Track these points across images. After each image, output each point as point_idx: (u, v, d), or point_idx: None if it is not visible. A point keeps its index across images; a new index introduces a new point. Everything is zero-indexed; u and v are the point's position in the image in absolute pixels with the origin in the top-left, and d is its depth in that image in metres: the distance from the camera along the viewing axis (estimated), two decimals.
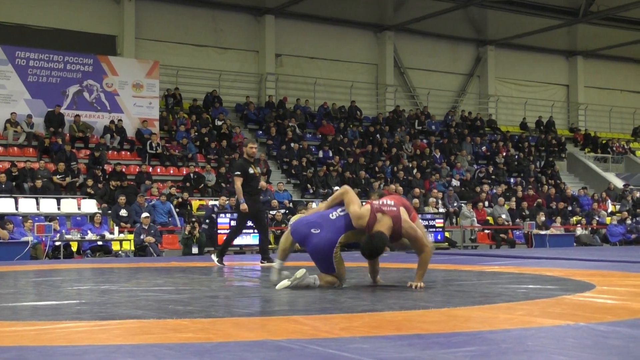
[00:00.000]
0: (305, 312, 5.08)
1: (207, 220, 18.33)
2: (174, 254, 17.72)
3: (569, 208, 25.39)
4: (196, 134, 24.32)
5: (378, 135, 27.67)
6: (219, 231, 17.98)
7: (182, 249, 17.48)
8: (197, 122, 24.99)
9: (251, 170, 11.30)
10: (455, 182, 25.74)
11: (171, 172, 22.49)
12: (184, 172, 22.23)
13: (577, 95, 35.42)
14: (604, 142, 33.69)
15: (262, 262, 11.35)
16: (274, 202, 20.42)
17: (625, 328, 4.15)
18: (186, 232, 17.28)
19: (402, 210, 6.97)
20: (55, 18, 24.70)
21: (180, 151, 23.12)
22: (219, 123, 25.01)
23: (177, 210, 19.45)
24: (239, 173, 11.27)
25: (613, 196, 27.38)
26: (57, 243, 16.05)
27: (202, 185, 21.56)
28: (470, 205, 22.54)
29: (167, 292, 6.65)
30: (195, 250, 17.12)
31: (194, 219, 17.82)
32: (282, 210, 20.24)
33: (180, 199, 19.94)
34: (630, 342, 3.72)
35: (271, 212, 20.13)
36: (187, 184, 21.33)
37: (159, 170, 22.41)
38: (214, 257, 11.63)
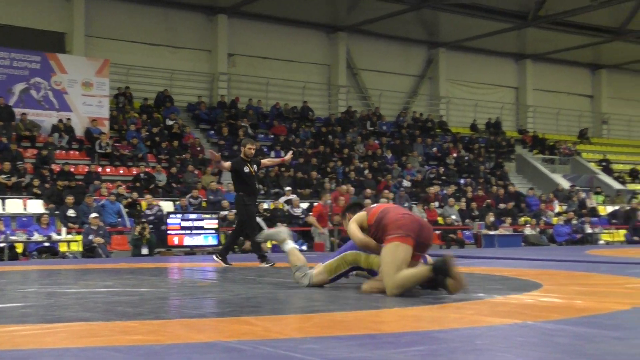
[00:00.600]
0: (256, 313, 5.06)
1: (142, 220, 17.94)
2: (123, 255, 17.53)
3: (516, 204, 25.70)
4: (147, 133, 24.10)
5: (330, 136, 27.74)
6: (168, 232, 17.86)
7: (131, 250, 17.30)
8: (148, 121, 24.77)
9: (247, 169, 11.10)
10: (406, 183, 25.93)
11: (121, 172, 22.25)
12: (134, 172, 22.00)
13: (525, 98, 35.94)
14: (551, 143, 34.24)
15: (217, 257, 11.35)
16: (225, 203, 20.34)
17: (570, 326, 4.22)
18: (136, 233, 17.09)
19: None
20: (1, 13, 24.24)
21: (131, 151, 22.88)
22: (170, 123, 24.83)
23: (127, 210, 19.26)
24: (231, 162, 11.19)
25: (560, 197, 27.84)
26: (2, 244, 15.74)
27: (153, 185, 21.36)
28: (421, 205, 22.71)
29: (116, 293, 6.57)
30: (145, 251, 16.96)
31: (143, 220, 17.65)
32: (234, 211, 20.13)
33: (129, 199, 19.74)
34: (575, 340, 3.78)
35: (222, 212, 20.06)
36: (137, 184, 21.12)
37: (108, 170, 22.15)
38: (215, 257, 11.49)
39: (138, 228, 17.09)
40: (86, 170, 21.33)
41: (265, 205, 21.02)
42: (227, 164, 11.20)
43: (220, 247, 11.95)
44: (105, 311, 5.25)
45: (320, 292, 6.41)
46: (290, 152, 12.23)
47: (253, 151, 11.25)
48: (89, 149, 22.54)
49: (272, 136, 26.91)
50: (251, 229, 11.17)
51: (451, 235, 22.27)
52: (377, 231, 6.35)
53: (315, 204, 19.93)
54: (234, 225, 12.82)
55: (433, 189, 24.82)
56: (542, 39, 32.75)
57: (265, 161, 11.93)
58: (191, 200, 20.06)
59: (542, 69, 36.51)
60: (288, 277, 7.11)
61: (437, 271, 5.88)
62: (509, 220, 23.83)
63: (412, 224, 6.26)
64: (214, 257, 11.56)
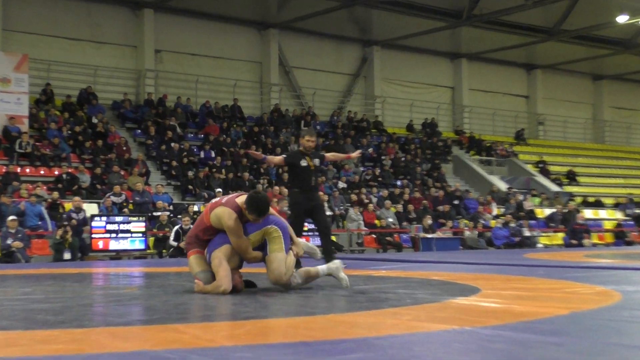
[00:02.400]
0: (185, 321, 5.00)
1: (65, 223, 17.57)
2: (44, 260, 17.17)
3: (453, 205, 26.03)
4: (69, 132, 23.67)
5: (262, 136, 27.68)
6: (92, 235, 17.58)
7: (53, 254, 16.97)
8: (71, 119, 24.34)
9: (304, 162, 10.24)
10: (342, 184, 26.03)
11: (42, 172, 21.81)
12: (56, 173, 21.59)
13: (461, 98, 36.47)
14: (488, 144, 34.79)
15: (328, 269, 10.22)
16: (160, 203, 20.15)
17: (509, 332, 4.27)
18: (57, 237, 16.74)
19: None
20: None
21: (52, 150, 22.44)
22: (95, 121, 24.44)
23: (48, 212, 18.86)
24: (284, 156, 10.55)
25: (497, 199, 28.30)
26: None
27: (76, 186, 20.98)
28: (357, 208, 22.82)
29: (36, 300, 6.42)
30: (67, 255, 16.65)
31: (66, 222, 17.33)
32: (167, 213, 19.90)
33: (50, 200, 19.35)
34: (513, 346, 3.82)
35: (155, 213, 19.85)
36: (60, 185, 20.72)
37: (28, 170, 21.68)
38: (325, 267, 9.84)
39: (60, 231, 16.75)
40: (4, 170, 20.84)
41: (195, 208, 20.84)
42: (278, 158, 10.61)
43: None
44: (24, 319, 5.12)
45: (252, 298, 6.37)
46: (359, 151, 12.58)
47: (312, 143, 10.30)
48: (7, 148, 22.04)
49: (201, 136, 26.71)
50: (319, 227, 10.39)
51: (388, 238, 22.43)
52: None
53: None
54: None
55: (370, 193, 24.96)
56: (477, 37, 33.30)
57: (329, 155, 11.03)
58: (114, 198, 19.68)
59: (478, 68, 37.10)
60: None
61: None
62: (450, 223, 24.06)
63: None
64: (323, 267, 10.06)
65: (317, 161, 10.37)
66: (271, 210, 6.96)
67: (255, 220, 6.81)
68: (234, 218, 6.71)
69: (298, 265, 7.83)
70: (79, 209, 18.19)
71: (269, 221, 6.94)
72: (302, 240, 7.56)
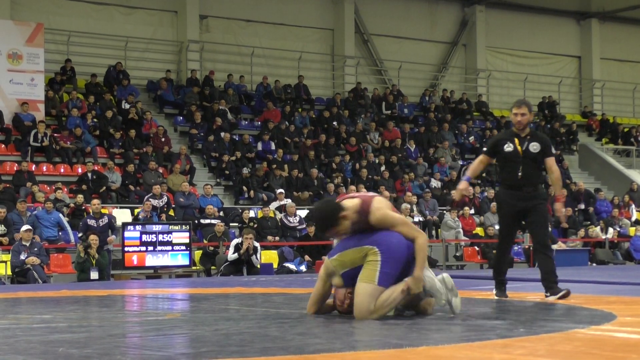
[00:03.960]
0: (240, 354, 5.05)
1: (79, 235, 17.82)
2: (66, 279, 17.48)
3: (583, 207, 25.61)
4: (95, 120, 24.06)
5: (335, 122, 27.70)
6: (125, 249, 17.82)
7: (77, 273, 17.27)
8: (97, 105, 24.72)
9: (508, 147, 9.32)
10: (435, 183, 25.91)
11: (62, 170, 22.23)
12: (79, 171, 21.97)
13: (591, 70, 35.88)
14: (626, 130, 34.15)
15: (546, 295, 9.04)
16: (210, 208, 20.32)
17: None
18: (81, 254, 16.89)
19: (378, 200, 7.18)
20: None
21: (74, 143, 22.85)
22: (126, 106, 24.77)
23: (69, 220, 19.18)
24: (485, 149, 9.71)
25: (638, 200, 27.80)
26: None
27: (104, 188, 21.32)
28: (455, 212, 22.66)
29: (56, 330, 6.56)
30: (94, 275, 16.90)
31: (80, 233, 17.57)
32: (219, 221, 20.03)
33: (74, 206, 19.68)
34: None
35: (203, 220, 20.01)
36: (84, 187, 21.09)
37: (44, 168, 22.12)
38: (550, 297, 9.03)
39: (81, 247, 16.89)
40: (16, 169, 21.30)
41: (251, 214, 20.99)
42: (478, 158, 9.75)
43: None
44: (43, 354, 5.23)
45: (324, 326, 6.41)
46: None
47: (521, 117, 9.34)
48: (19, 141, 22.49)
49: (258, 123, 26.86)
50: (503, 240, 9.68)
51: (494, 250, 22.19)
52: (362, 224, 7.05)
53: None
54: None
55: (474, 193, 24.78)
56: None
57: (550, 163, 9.41)
58: (153, 201, 19.86)
59: (613, 31, 36.45)
60: (282, 306, 7.11)
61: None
62: (581, 232, 23.65)
63: None
64: (549, 297, 9.03)
65: (534, 146, 9.28)
66: (393, 217, 7.06)
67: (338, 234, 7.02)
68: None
69: (417, 300, 7.22)
70: (99, 215, 18.24)
71: (374, 238, 7.00)
72: (429, 273, 7.14)
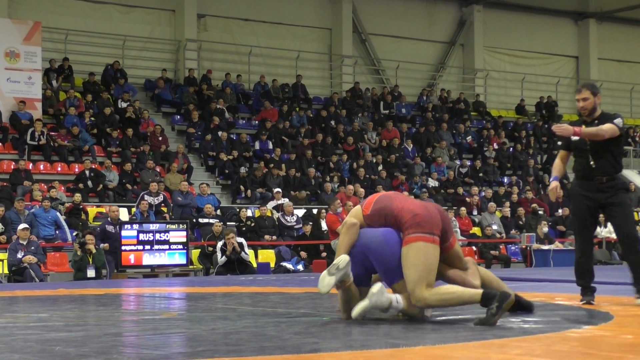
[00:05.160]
0: (236, 354, 5.05)
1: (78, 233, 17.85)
2: (63, 278, 17.49)
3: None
4: (92, 119, 24.07)
5: (332, 122, 27.71)
6: (122, 247, 17.81)
7: (73, 272, 17.26)
8: (94, 103, 24.73)
9: (575, 137, 8.68)
10: (432, 183, 25.90)
11: (59, 169, 22.23)
12: (77, 170, 21.98)
13: (588, 70, 35.90)
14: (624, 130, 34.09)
15: (637, 297, 8.25)
16: (208, 207, 20.31)
17: None
18: (78, 252, 16.88)
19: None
20: None
21: (71, 141, 22.85)
22: (123, 105, 24.77)
23: (66, 219, 19.19)
24: (560, 143, 9.31)
25: (636, 200, 27.79)
26: None
27: (101, 186, 21.33)
28: (452, 212, 22.69)
29: (53, 329, 6.56)
30: (91, 272, 16.89)
31: (78, 232, 17.58)
32: (217, 221, 19.96)
33: (71, 204, 19.68)
34: None
35: (202, 219, 20.00)
36: (81, 185, 21.09)
37: (42, 167, 22.12)
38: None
39: (77, 245, 16.87)
40: (12, 167, 21.29)
41: (249, 213, 21.00)
42: (552, 185, 9.14)
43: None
44: (39, 352, 5.24)
45: (322, 326, 6.41)
46: None
47: (584, 103, 8.75)
48: (16, 139, 22.49)
49: (256, 122, 26.86)
50: (578, 239, 8.88)
51: (492, 251, 22.25)
52: (376, 224, 6.82)
53: (325, 214, 19.92)
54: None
55: (472, 192, 24.82)
56: None
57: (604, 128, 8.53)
58: (149, 198, 19.84)
59: (611, 31, 36.46)
60: (279, 305, 7.11)
61: (486, 303, 6.36)
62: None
63: (433, 218, 6.72)
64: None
65: (619, 126, 8.61)
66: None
67: None
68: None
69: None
70: (117, 221, 18.33)
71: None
72: (378, 285, 6.77)
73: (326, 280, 6.68)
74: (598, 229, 24.01)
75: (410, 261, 6.54)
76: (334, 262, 6.74)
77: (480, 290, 6.51)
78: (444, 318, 6.89)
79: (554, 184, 9.01)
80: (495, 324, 6.24)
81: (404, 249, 6.61)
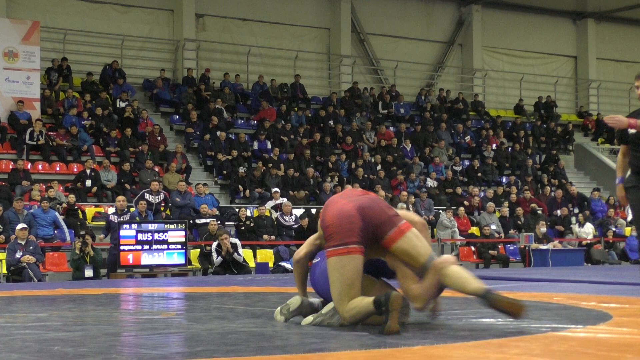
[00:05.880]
0: (234, 354, 5.05)
1: (103, 233, 18.04)
2: (62, 277, 17.48)
3: (575, 211, 25.57)
4: (90, 119, 24.06)
5: (331, 122, 27.72)
6: (121, 247, 17.80)
7: (72, 271, 17.26)
8: (93, 103, 24.74)
9: (631, 129, 8.40)
10: (431, 183, 25.91)
11: (57, 169, 22.23)
12: (75, 170, 21.97)
13: (587, 70, 35.92)
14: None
15: None
16: (204, 207, 20.30)
17: None
18: (76, 251, 16.92)
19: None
20: None
21: (70, 141, 22.85)
22: (122, 105, 24.79)
23: (64, 219, 19.18)
24: (618, 138, 9.09)
25: None
26: None
27: (99, 186, 21.33)
28: (450, 212, 22.70)
29: (52, 328, 6.56)
30: (89, 272, 16.90)
31: (83, 232, 17.60)
32: (214, 220, 19.99)
33: (66, 205, 19.67)
34: None
35: (198, 220, 19.99)
36: (79, 185, 21.09)
37: (40, 167, 22.13)
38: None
39: (78, 244, 16.93)
40: (11, 167, 21.29)
41: (247, 213, 20.99)
42: (619, 189, 8.95)
43: None
44: (38, 352, 5.23)
45: (317, 326, 6.40)
46: None
47: (639, 91, 8.61)
48: (14, 139, 22.51)
49: (255, 122, 26.87)
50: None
51: (491, 251, 22.25)
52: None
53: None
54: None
55: (472, 192, 24.83)
56: None
57: None
58: (149, 197, 19.83)
59: (609, 31, 36.49)
60: (277, 305, 7.10)
61: (380, 311, 5.90)
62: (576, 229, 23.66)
63: (343, 225, 6.22)
64: None
65: None
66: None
67: None
68: None
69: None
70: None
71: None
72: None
73: (277, 318, 6.73)
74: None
75: (330, 279, 6.21)
76: (287, 302, 6.71)
77: (371, 299, 5.98)
78: (443, 318, 6.89)
79: (620, 186, 8.74)
80: (395, 329, 5.74)
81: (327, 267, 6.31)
